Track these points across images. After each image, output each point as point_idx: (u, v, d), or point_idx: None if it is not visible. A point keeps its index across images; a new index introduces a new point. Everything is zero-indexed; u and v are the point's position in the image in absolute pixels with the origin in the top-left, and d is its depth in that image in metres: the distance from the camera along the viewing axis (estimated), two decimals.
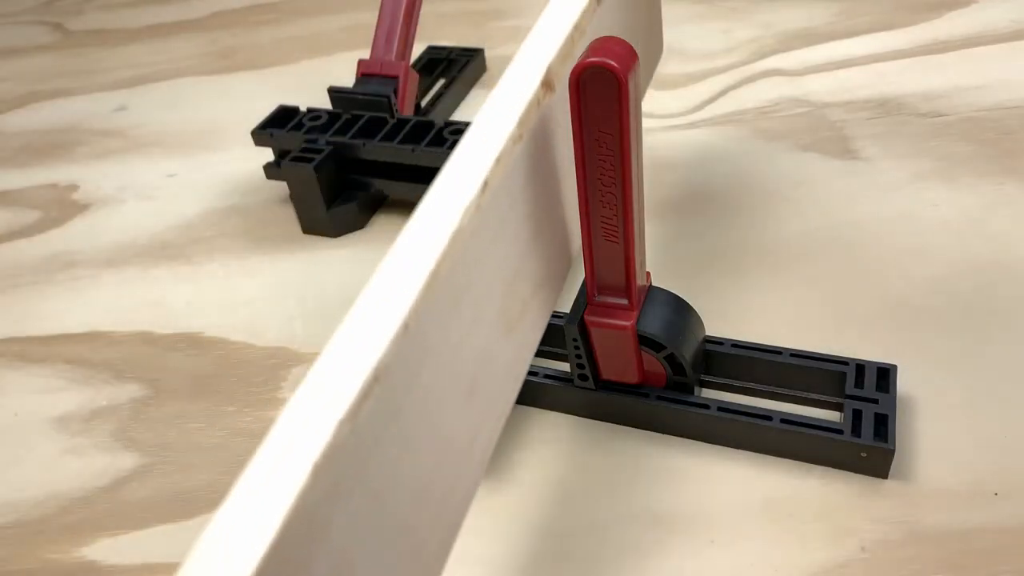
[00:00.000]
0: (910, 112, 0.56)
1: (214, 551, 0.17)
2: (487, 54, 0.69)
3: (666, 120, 0.59)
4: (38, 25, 0.89)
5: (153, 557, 0.34)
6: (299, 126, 0.51)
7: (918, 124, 0.55)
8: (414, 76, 0.56)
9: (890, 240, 0.45)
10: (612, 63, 0.26)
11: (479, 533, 0.33)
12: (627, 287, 0.32)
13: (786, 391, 0.36)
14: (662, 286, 0.35)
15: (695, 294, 0.43)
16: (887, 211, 0.47)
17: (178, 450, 0.38)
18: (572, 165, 0.32)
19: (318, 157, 0.48)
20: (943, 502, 0.32)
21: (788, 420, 0.34)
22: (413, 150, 0.48)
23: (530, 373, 0.37)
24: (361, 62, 0.55)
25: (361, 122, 0.50)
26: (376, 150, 0.49)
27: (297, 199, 0.51)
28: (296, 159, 0.49)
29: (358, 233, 0.51)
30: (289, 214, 0.53)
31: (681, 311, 0.34)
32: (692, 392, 0.35)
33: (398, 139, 0.49)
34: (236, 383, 0.41)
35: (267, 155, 0.53)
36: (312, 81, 0.65)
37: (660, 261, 0.45)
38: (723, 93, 0.61)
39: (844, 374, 0.35)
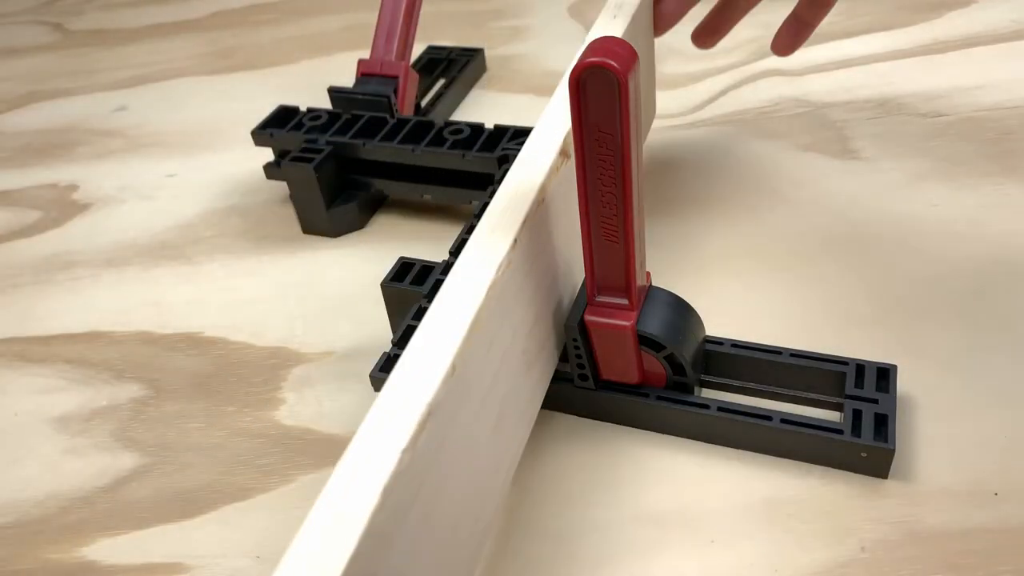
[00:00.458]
0: (910, 112, 0.56)
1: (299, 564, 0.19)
2: (487, 54, 0.69)
3: (666, 120, 0.59)
4: (38, 25, 0.89)
5: (153, 557, 0.34)
6: (299, 126, 0.51)
7: (918, 124, 0.55)
8: (414, 76, 0.56)
9: (890, 240, 0.45)
10: (612, 63, 0.26)
11: None
12: (627, 287, 0.32)
13: (786, 391, 0.36)
14: (662, 286, 0.35)
15: (695, 294, 0.43)
16: (887, 211, 0.47)
17: (178, 450, 0.38)
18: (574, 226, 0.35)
19: (318, 157, 0.48)
20: (943, 502, 0.32)
21: (788, 420, 0.34)
22: (413, 150, 0.48)
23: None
24: (361, 62, 0.55)
25: (361, 122, 0.50)
26: (376, 150, 0.49)
27: (297, 199, 0.51)
28: (296, 159, 0.49)
29: (358, 233, 0.51)
30: (289, 214, 0.53)
31: (681, 311, 0.34)
32: (692, 392, 0.35)
33: (398, 139, 0.49)
34: (236, 383, 0.41)
35: (267, 155, 0.53)
36: (312, 81, 0.65)
37: (660, 261, 0.45)
38: (723, 93, 0.61)
39: (844, 374, 0.35)
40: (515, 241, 0.29)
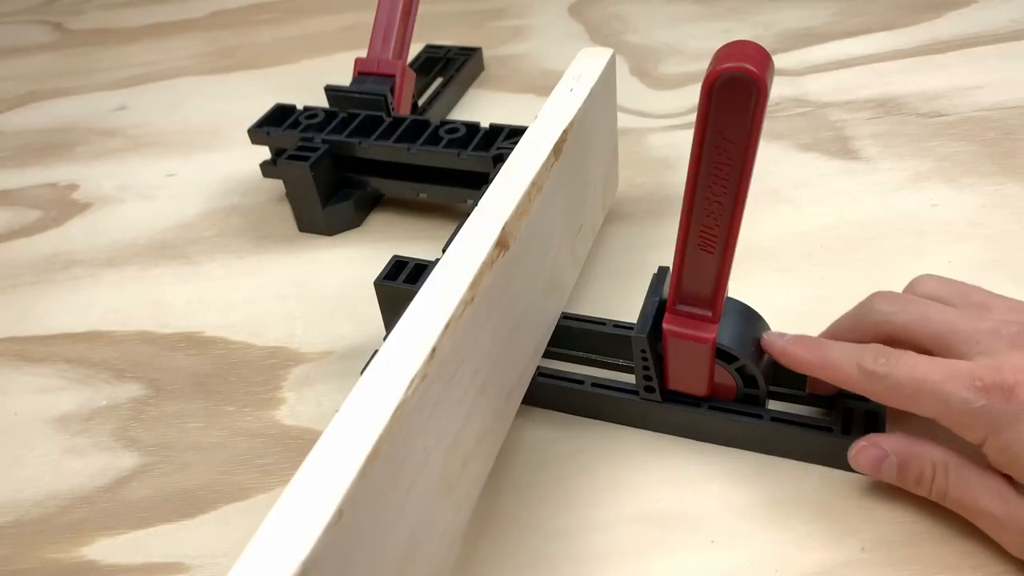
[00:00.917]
0: (910, 112, 0.56)
1: None
2: (486, 53, 0.69)
3: (666, 120, 0.59)
4: (38, 25, 0.89)
5: (153, 557, 0.34)
6: (295, 124, 0.51)
7: (918, 124, 0.55)
8: (411, 75, 0.56)
9: (890, 240, 0.45)
10: (753, 69, 0.25)
11: (479, 534, 0.33)
12: (713, 299, 0.31)
13: (780, 389, 0.36)
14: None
15: None
16: (887, 211, 0.47)
17: (178, 450, 0.38)
18: (525, 313, 0.33)
19: (314, 155, 0.48)
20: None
21: (778, 418, 0.34)
22: (409, 149, 0.48)
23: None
24: (358, 60, 0.55)
25: (357, 121, 0.50)
26: (372, 149, 0.49)
27: (293, 197, 0.50)
28: (292, 157, 0.49)
29: (356, 231, 0.51)
30: (289, 213, 0.53)
31: (753, 320, 0.33)
32: (764, 405, 0.34)
33: (394, 138, 0.49)
34: (236, 383, 0.41)
35: (267, 154, 0.53)
36: (312, 81, 0.65)
37: (660, 261, 0.45)
38: None
39: None
40: (433, 350, 0.25)
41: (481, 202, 0.32)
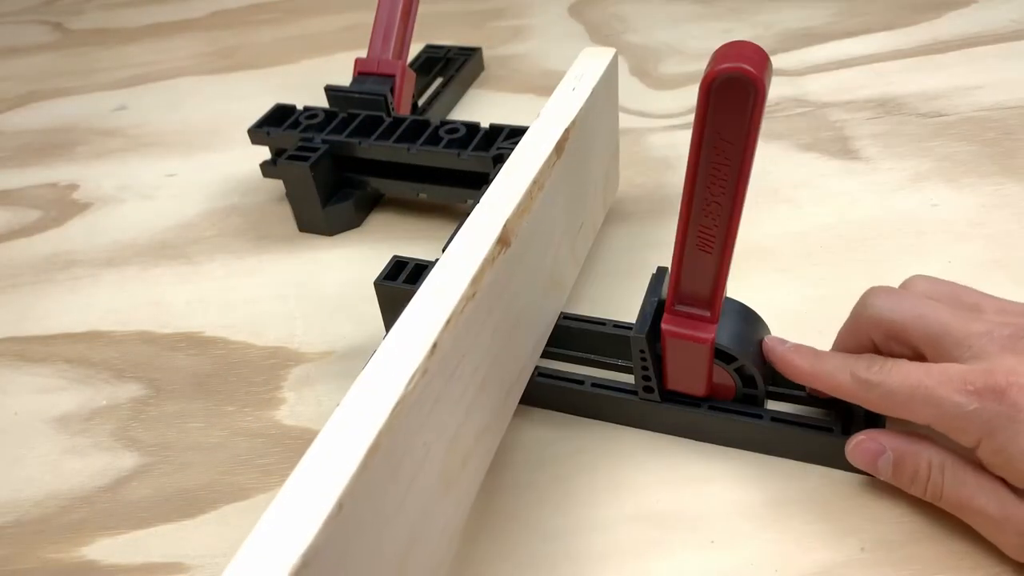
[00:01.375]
0: (910, 112, 0.56)
1: None
2: (486, 53, 0.69)
3: (666, 120, 0.59)
4: (38, 25, 0.89)
5: (153, 557, 0.34)
6: (295, 124, 0.51)
7: (918, 124, 0.55)
8: (411, 75, 0.56)
9: (890, 240, 0.45)
10: (750, 69, 0.25)
11: (479, 533, 0.33)
12: (712, 299, 0.31)
13: (781, 390, 0.36)
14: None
15: None
16: (887, 211, 0.47)
17: (178, 450, 0.38)
18: (525, 310, 0.33)
19: (314, 155, 0.48)
20: None
21: (779, 419, 0.34)
22: (409, 149, 0.48)
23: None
24: (358, 61, 0.55)
25: (357, 121, 0.50)
26: (372, 149, 0.49)
27: (293, 197, 0.50)
28: (292, 157, 0.49)
29: (356, 232, 0.51)
30: (289, 213, 0.53)
31: (752, 321, 0.33)
32: (762, 405, 0.34)
33: (394, 138, 0.49)
34: (236, 383, 0.41)
35: (267, 154, 0.53)
36: (312, 81, 0.65)
37: (659, 261, 0.45)
38: None
39: None
40: (434, 345, 0.26)
41: (483, 199, 0.32)
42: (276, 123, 0.52)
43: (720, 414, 0.34)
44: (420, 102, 0.61)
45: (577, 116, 0.37)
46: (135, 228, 0.54)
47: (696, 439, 0.35)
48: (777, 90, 0.60)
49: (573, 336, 0.38)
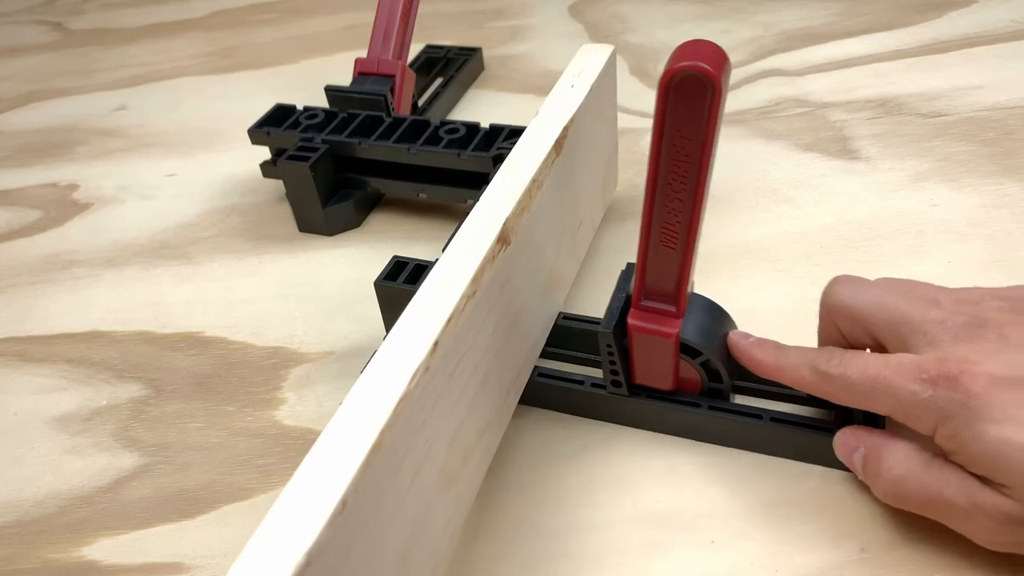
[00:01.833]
0: (910, 112, 0.56)
1: None
2: (486, 53, 0.69)
3: None
4: (38, 25, 0.89)
5: (153, 557, 0.34)
6: (295, 124, 0.51)
7: (918, 124, 0.55)
8: (411, 75, 0.56)
9: (890, 240, 0.45)
10: (707, 67, 0.25)
11: (479, 533, 0.33)
12: (676, 295, 0.32)
13: (780, 390, 0.36)
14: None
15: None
16: (887, 211, 0.47)
17: (178, 450, 0.38)
18: (525, 308, 0.33)
19: (314, 156, 0.48)
20: None
21: (778, 419, 0.34)
22: (409, 149, 0.48)
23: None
24: (358, 61, 0.55)
25: (357, 121, 0.50)
26: (372, 149, 0.49)
27: (293, 198, 0.51)
28: (292, 157, 0.49)
29: (356, 232, 0.51)
30: (289, 213, 0.53)
31: (718, 316, 0.34)
32: (728, 399, 0.35)
33: (394, 138, 0.49)
34: (236, 383, 0.41)
35: (267, 154, 0.53)
36: (312, 81, 0.65)
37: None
38: None
39: None
40: (435, 343, 0.26)
41: (482, 197, 0.32)
42: (276, 123, 0.52)
43: (720, 414, 0.34)
44: (420, 102, 0.61)
45: (576, 113, 0.37)
46: (135, 228, 0.54)
47: (696, 439, 0.35)
48: (777, 90, 0.60)
49: (573, 336, 0.38)
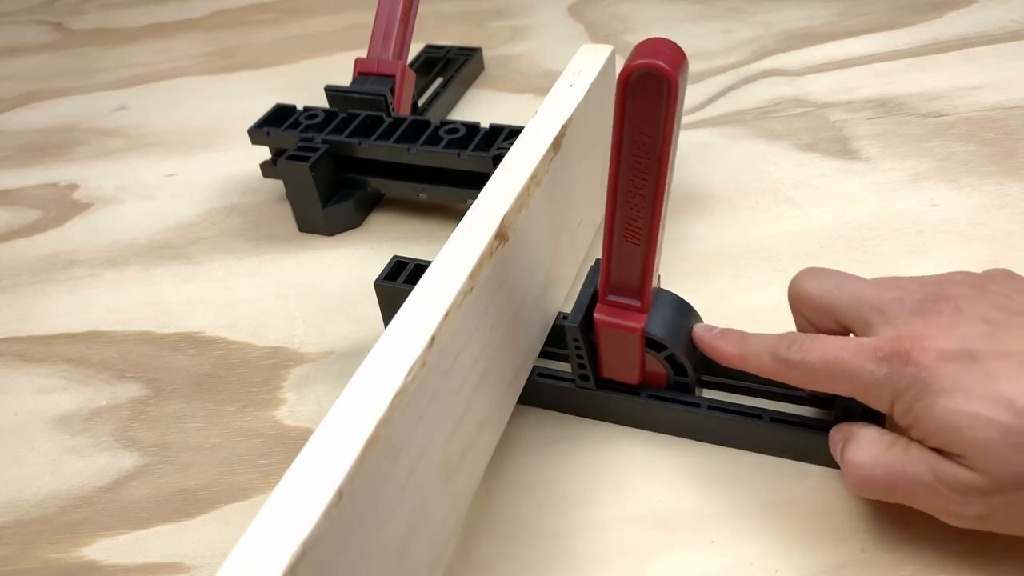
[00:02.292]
0: (910, 112, 0.56)
1: None
2: (486, 53, 0.69)
3: None
4: (38, 25, 0.89)
5: (153, 557, 0.34)
6: (295, 124, 0.51)
7: (918, 124, 0.55)
8: (411, 75, 0.56)
9: (890, 240, 0.45)
10: (664, 65, 0.25)
11: (478, 533, 0.33)
12: (641, 290, 0.32)
13: (779, 389, 0.36)
14: (663, 286, 0.35)
15: (695, 293, 0.43)
16: (887, 211, 0.47)
17: (178, 450, 0.38)
18: (524, 304, 0.34)
19: (314, 156, 0.48)
20: None
21: (778, 418, 0.34)
22: (409, 149, 0.48)
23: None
24: (358, 61, 0.55)
25: (357, 121, 0.50)
26: (372, 149, 0.49)
27: (293, 198, 0.51)
28: (292, 157, 0.49)
29: (356, 232, 0.51)
30: (289, 213, 0.53)
31: (684, 312, 0.34)
32: (692, 392, 0.35)
33: (394, 138, 0.49)
34: (236, 383, 0.41)
35: (267, 154, 0.53)
36: (312, 80, 0.65)
37: (660, 260, 0.45)
38: (723, 93, 0.61)
39: None
40: (432, 338, 0.26)
41: (481, 194, 0.33)
42: (276, 123, 0.52)
43: (720, 414, 0.34)
44: (420, 102, 0.61)
45: (574, 113, 0.38)
46: (135, 228, 0.54)
47: (696, 439, 0.35)
48: (777, 90, 0.60)
49: None
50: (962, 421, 0.26)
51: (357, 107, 0.53)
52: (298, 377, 0.41)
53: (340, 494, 0.21)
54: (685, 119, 0.58)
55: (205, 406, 0.40)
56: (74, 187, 0.59)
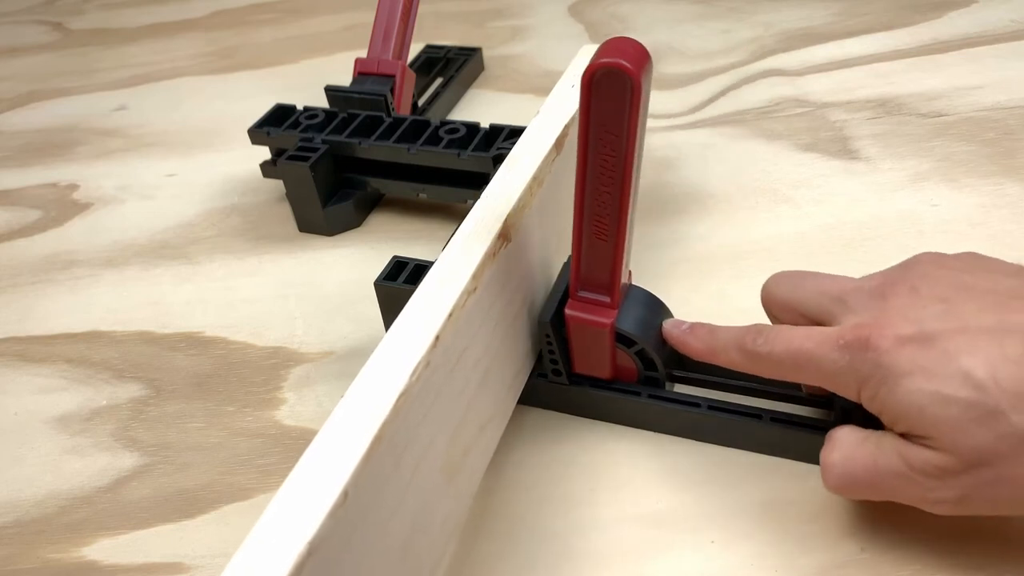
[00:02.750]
0: (910, 112, 0.56)
1: None
2: (486, 53, 0.69)
3: (666, 120, 0.58)
4: (38, 25, 0.89)
5: (153, 557, 0.34)
6: (295, 124, 0.51)
7: (918, 124, 0.55)
8: (411, 75, 0.56)
9: (890, 240, 0.45)
10: (626, 64, 0.26)
11: (479, 533, 0.33)
12: (611, 285, 0.33)
13: (778, 389, 0.36)
14: (661, 287, 0.35)
15: (695, 293, 0.43)
16: (887, 211, 0.47)
17: (178, 450, 0.38)
18: (526, 305, 0.34)
19: (314, 156, 0.48)
20: None
21: (778, 419, 0.34)
22: (409, 149, 0.48)
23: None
24: (358, 61, 0.55)
25: (357, 121, 0.50)
26: (372, 149, 0.49)
27: (293, 198, 0.51)
28: (292, 157, 0.49)
29: (356, 232, 0.51)
30: (289, 213, 0.53)
31: (655, 309, 0.35)
32: (663, 387, 0.36)
33: (394, 138, 0.49)
34: (236, 383, 0.41)
35: (267, 154, 0.53)
36: (312, 80, 0.65)
37: (660, 260, 0.45)
38: (723, 93, 0.61)
39: None
40: (436, 338, 0.26)
41: (483, 195, 0.33)
42: (276, 123, 0.52)
43: (720, 414, 0.34)
44: (420, 102, 0.61)
45: (576, 112, 0.38)
46: (135, 228, 0.54)
47: (696, 439, 0.35)
48: (777, 90, 0.60)
49: None
50: (923, 400, 0.26)
51: (357, 107, 0.53)
52: (298, 377, 0.41)
53: (345, 494, 0.21)
54: (686, 119, 0.58)
55: (205, 406, 0.40)
56: (74, 187, 0.59)
